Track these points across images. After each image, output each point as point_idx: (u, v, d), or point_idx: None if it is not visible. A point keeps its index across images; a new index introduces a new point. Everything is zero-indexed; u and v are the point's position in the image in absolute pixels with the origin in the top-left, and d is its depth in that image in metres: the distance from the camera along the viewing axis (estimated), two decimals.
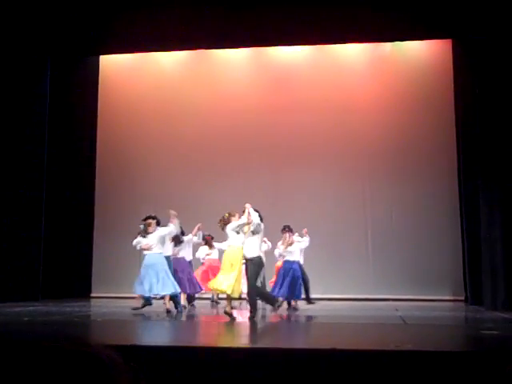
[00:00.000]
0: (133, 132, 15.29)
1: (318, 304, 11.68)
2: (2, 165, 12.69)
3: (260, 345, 5.79)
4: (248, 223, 9.02)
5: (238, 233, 8.99)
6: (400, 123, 14.40)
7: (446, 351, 4.68)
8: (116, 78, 15.76)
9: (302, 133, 14.62)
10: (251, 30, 13.20)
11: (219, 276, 8.98)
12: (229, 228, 9.04)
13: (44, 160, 13.67)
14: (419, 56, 14.79)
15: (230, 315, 8.56)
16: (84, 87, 15.23)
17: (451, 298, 13.42)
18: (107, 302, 12.82)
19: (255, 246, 8.95)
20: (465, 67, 13.23)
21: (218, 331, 7.68)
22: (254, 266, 8.92)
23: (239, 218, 9.21)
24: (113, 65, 15.81)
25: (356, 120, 14.55)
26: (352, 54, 15.02)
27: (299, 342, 6.46)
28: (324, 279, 13.41)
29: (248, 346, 5.69)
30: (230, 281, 8.64)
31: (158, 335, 7.19)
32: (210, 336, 7.17)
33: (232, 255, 8.89)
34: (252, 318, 8.53)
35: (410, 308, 10.44)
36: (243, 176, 14.67)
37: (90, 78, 15.48)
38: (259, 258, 9.03)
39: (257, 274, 9.04)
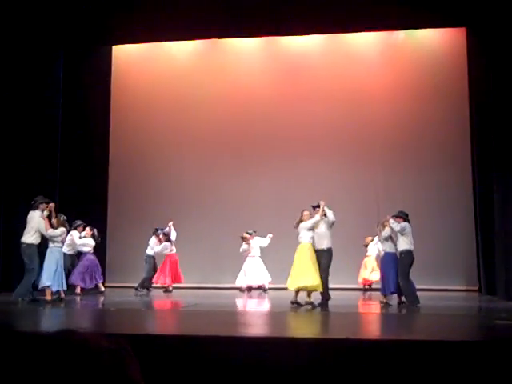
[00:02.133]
0: (145, 121, 15.31)
1: (332, 294, 11.68)
2: (15, 156, 12.76)
3: (280, 334, 5.81)
4: (321, 219, 10.01)
5: (312, 230, 9.94)
6: (413, 112, 14.30)
7: (459, 341, 4.68)
8: (128, 67, 15.76)
9: (314, 122, 14.57)
10: (263, 19, 13.14)
11: (296, 274, 9.80)
12: (302, 226, 10.00)
13: (57, 151, 13.74)
14: (433, 44, 14.66)
15: (312, 304, 9.52)
16: (97, 77, 15.24)
17: (465, 287, 13.37)
18: (120, 291, 12.91)
19: (329, 238, 9.98)
20: (479, 55, 13.09)
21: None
22: (329, 256, 9.89)
23: (310, 216, 10.22)
24: (125, 55, 15.81)
25: (369, 109, 14.47)
26: (365, 42, 14.91)
27: (314, 332, 6.48)
28: (338, 269, 13.38)
29: (265, 335, 5.71)
30: (312, 275, 9.59)
31: (173, 325, 7.23)
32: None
33: (304, 251, 9.82)
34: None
35: (424, 298, 10.39)
36: (255, 166, 14.66)
37: (103, 67, 15.49)
38: (331, 248, 9.98)
39: (330, 263, 9.93)
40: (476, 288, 13.19)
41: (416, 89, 14.40)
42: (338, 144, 14.50)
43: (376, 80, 14.67)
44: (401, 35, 14.87)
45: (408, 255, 9.93)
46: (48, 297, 10.01)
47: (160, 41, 15.01)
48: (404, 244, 10.01)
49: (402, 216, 10.39)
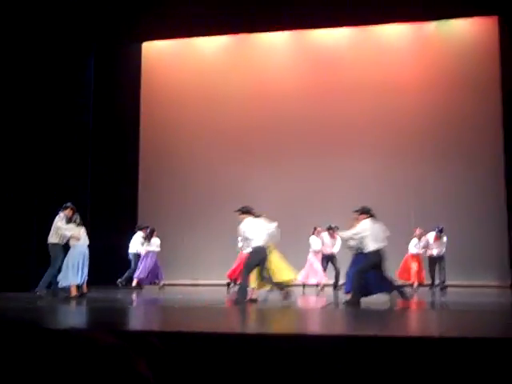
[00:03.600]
0: (175, 118, 15.40)
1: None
2: (47, 154, 12.95)
3: (299, 331, 5.80)
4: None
5: None
6: (445, 104, 14.09)
7: (490, 338, 4.61)
8: (158, 64, 15.86)
9: (344, 117, 14.47)
10: (292, 13, 13.10)
11: None
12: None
13: (89, 147, 13.94)
14: (464, 34, 14.42)
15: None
16: (127, 73, 15.37)
17: (497, 283, 13.12)
18: (151, 288, 12.99)
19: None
20: None
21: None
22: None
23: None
24: (155, 52, 15.92)
25: (400, 102, 14.32)
26: (394, 34, 14.75)
27: (342, 329, 6.46)
28: None
29: (283, 332, 5.71)
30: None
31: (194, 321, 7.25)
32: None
33: None
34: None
35: (455, 294, 10.29)
36: (285, 162, 14.63)
37: (133, 64, 15.61)
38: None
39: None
40: (508, 284, 12.97)
41: (447, 80, 14.20)
42: (369, 136, 14.38)
43: (406, 72, 14.50)
44: (431, 26, 14.67)
45: (375, 255, 8.90)
46: (72, 293, 10.17)
47: (188, 36, 15.09)
48: (370, 244, 8.91)
49: (365, 212, 9.24)
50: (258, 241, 9.08)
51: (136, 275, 12.76)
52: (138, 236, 13.10)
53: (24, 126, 12.27)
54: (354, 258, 9.36)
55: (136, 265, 12.89)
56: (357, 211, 9.26)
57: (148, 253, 12.89)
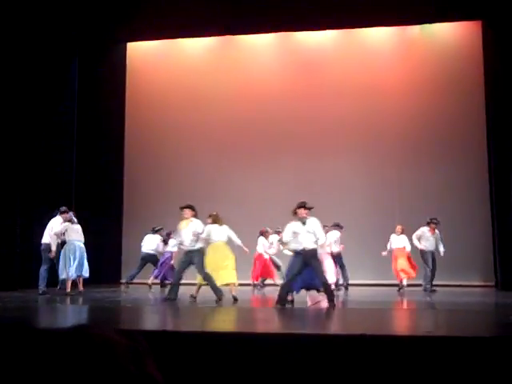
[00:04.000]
0: (160, 118, 15.35)
1: (350, 290, 11.71)
2: (30, 157, 12.87)
3: (292, 330, 5.81)
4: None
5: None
6: (429, 107, 14.19)
7: (475, 337, 4.65)
8: (143, 65, 15.81)
9: (328, 118, 14.52)
10: (277, 14, 13.11)
11: None
12: None
13: (73, 149, 13.84)
14: (448, 38, 14.55)
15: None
16: (112, 74, 15.32)
17: (481, 283, 13.27)
18: (136, 288, 12.98)
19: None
20: (495, 48, 12.98)
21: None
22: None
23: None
24: (139, 52, 15.87)
25: (384, 104, 14.40)
26: (379, 37, 14.84)
27: (331, 328, 6.48)
28: (355, 266, 13.39)
29: (276, 332, 5.72)
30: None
31: (187, 321, 7.26)
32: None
33: None
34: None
35: (441, 293, 10.36)
36: (268, 162, 14.66)
37: (118, 65, 15.56)
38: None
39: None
40: (493, 284, 13.10)
41: (432, 83, 14.31)
42: (353, 139, 14.46)
43: (391, 75, 14.60)
44: (415, 29, 14.78)
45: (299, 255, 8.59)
46: (67, 289, 10.66)
47: (173, 37, 15.06)
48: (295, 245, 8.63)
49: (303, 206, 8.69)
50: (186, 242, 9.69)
51: (156, 274, 13.20)
52: (156, 238, 13.23)
53: (8, 127, 12.16)
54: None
55: (156, 265, 13.19)
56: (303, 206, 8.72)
57: (166, 253, 13.29)
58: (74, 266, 10.65)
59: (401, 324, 6.69)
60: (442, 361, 4.16)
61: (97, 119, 14.89)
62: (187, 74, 15.43)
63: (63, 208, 11.08)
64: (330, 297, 8.40)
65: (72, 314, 8.14)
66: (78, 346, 0.87)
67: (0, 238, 11.87)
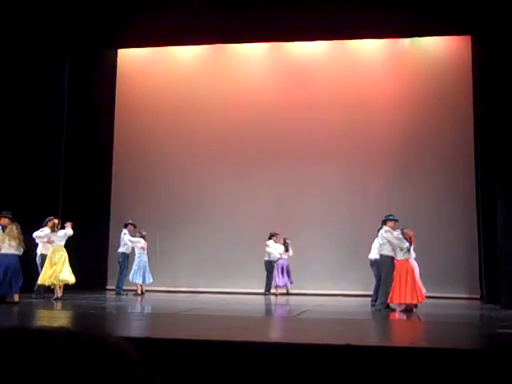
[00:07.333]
0: (149, 125, 15.34)
1: (335, 300, 11.68)
2: (18, 161, 12.82)
3: (274, 340, 5.79)
4: None
5: None
6: (418, 120, 14.28)
7: (460, 349, 4.66)
8: (133, 71, 15.81)
9: (317, 129, 14.58)
10: (268, 25, 13.17)
11: None
12: None
13: (61, 153, 13.79)
14: (438, 52, 14.67)
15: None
16: (102, 80, 15.31)
17: (467, 295, 13.31)
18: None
19: None
20: (484, 63, 13.09)
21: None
22: None
23: None
24: (130, 59, 15.87)
25: (373, 116, 14.48)
26: (370, 49, 14.93)
27: (314, 338, 6.46)
28: (338, 276, 13.41)
29: (261, 340, 5.70)
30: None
31: (173, 328, 7.21)
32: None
33: None
34: None
35: (426, 305, 10.36)
36: (258, 172, 14.68)
37: (108, 71, 15.55)
38: None
39: None
40: (478, 296, 13.15)
41: (421, 96, 14.40)
42: (342, 151, 14.51)
43: (381, 87, 14.67)
44: (406, 42, 14.90)
45: None
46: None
47: (165, 45, 15.07)
48: None
49: None
50: None
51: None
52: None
53: None
54: None
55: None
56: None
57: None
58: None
59: (386, 334, 6.70)
60: (427, 372, 4.16)
61: (86, 125, 14.87)
62: (178, 81, 15.45)
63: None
64: None
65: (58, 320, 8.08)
66: (98, 355, 0.85)
67: None
